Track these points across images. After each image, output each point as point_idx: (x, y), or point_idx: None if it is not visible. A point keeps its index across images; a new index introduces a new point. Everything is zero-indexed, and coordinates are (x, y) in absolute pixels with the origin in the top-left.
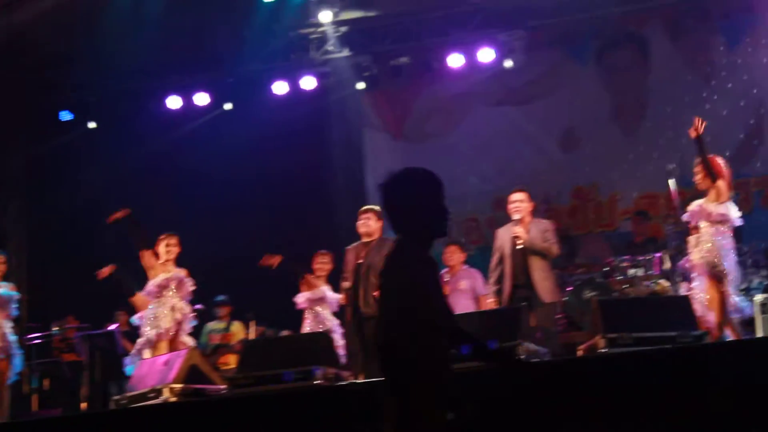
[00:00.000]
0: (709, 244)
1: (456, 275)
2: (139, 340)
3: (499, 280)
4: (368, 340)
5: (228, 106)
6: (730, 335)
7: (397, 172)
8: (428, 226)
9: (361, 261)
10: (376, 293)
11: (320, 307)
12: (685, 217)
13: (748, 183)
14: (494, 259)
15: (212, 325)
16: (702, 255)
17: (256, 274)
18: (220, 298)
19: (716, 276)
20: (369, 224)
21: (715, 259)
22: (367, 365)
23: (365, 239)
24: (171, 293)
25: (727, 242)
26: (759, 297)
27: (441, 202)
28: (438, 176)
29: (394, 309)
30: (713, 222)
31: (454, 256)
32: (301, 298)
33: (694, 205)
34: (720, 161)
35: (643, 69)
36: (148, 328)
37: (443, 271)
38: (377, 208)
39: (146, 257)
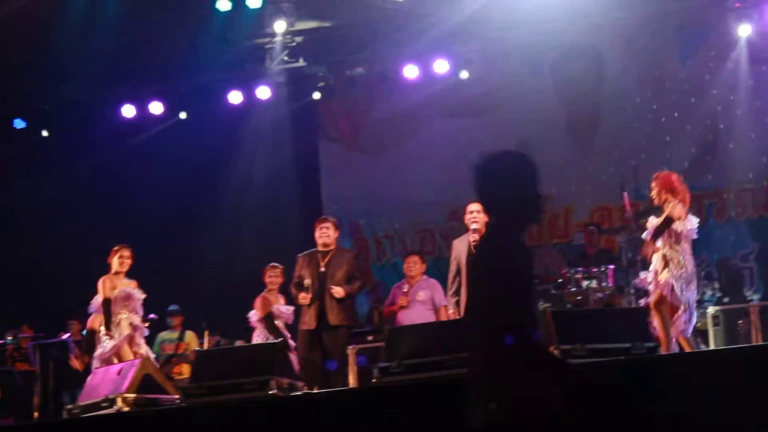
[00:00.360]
0: (681, 269)
1: (415, 286)
2: (96, 353)
3: (458, 291)
4: (329, 349)
5: (183, 115)
6: (684, 347)
7: (492, 154)
8: (522, 210)
9: (322, 270)
10: (336, 289)
11: (274, 320)
12: (644, 236)
13: (700, 196)
14: (452, 270)
15: (165, 334)
16: (671, 277)
17: (210, 283)
18: (173, 307)
19: (672, 302)
20: (328, 234)
21: (678, 287)
22: (325, 375)
23: (323, 249)
24: (121, 309)
25: (692, 263)
26: (711, 309)
27: (535, 187)
28: (534, 160)
29: (486, 293)
30: (678, 240)
31: (415, 266)
32: (254, 316)
33: (651, 224)
34: (675, 178)
35: (597, 81)
36: (105, 339)
37: (402, 281)
38: (333, 218)
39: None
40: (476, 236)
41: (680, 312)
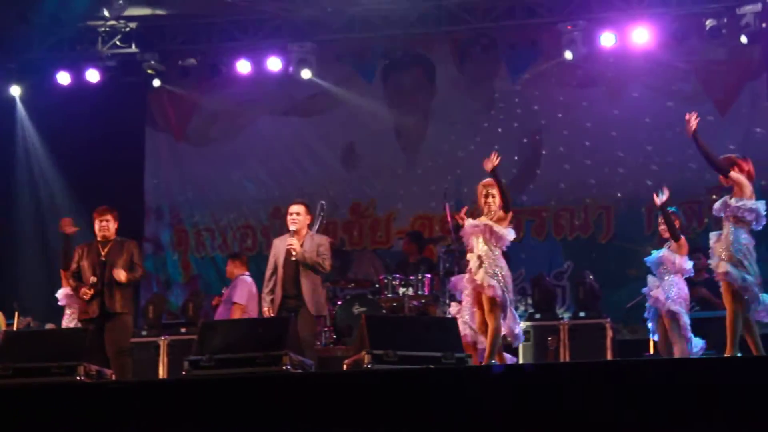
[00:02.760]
0: (495, 268)
1: (230, 287)
2: None
3: (273, 290)
4: (112, 336)
5: (16, 91)
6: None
7: None
8: None
9: (103, 259)
10: (117, 271)
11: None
12: (466, 227)
13: (520, 212)
14: (269, 268)
15: None
16: (484, 276)
17: (21, 264)
18: None
19: (494, 300)
20: (108, 227)
21: (497, 283)
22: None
23: (102, 240)
24: None
25: (505, 266)
26: (523, 325)
27: None
28: None
29: None
30: (488, 241)
31: (236, 270)
32: (61, 294)
33: (479, 222)
34: None
35: (427, 91)
36: None
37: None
38: (111, 210)
39: None
40: (294, 239)
41: (501, 317)
